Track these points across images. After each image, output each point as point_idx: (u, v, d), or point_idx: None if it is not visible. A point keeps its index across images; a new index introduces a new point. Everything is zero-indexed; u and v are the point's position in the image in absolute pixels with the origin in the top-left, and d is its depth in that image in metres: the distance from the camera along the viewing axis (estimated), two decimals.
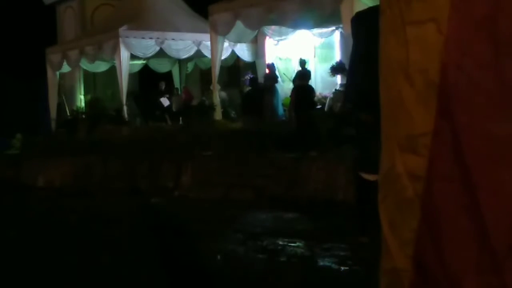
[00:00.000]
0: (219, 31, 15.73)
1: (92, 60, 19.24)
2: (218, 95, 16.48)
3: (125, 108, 18.16)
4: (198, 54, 18.86)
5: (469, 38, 1.68)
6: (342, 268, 6.76)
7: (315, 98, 13.74)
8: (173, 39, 18.21)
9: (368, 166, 7.51)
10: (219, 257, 7.42)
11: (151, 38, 18.03)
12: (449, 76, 1.70)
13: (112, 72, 19.02)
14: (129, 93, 18.58)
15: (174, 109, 18.83)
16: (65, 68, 20.54)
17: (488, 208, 1.65)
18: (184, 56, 19.01)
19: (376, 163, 6.16)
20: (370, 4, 11.39)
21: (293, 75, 15.02)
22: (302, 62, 14.68)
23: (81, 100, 21.74)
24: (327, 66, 15.12)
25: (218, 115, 16.26)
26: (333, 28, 15.01)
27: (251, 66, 18.21)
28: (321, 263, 7.06)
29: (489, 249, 1.65)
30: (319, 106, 14.04)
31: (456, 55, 1.69)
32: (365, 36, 9.92)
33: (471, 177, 1.68)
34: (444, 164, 1.72)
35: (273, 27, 15.62)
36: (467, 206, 1.69)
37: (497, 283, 1.65)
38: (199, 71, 21.24)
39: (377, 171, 6.26)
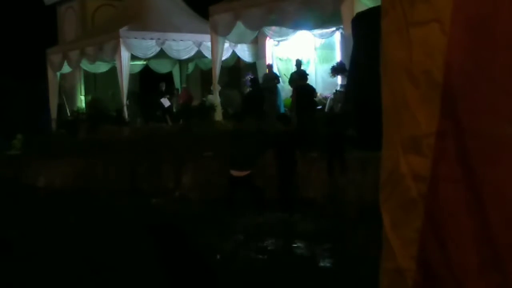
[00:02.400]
0: (219, 32, 15.74)
1: (93, 60, 19.26)
2: (218, 95, 16.50)
3: (125, 108, 18.17)
4: (199, 54, 18.87)
5: (472, 38, 1.68)
6: (343, 268, 6.76)
7: (316, 99, 13.74)
8: (173, 39, 18.23)
9: (236, 164, 9.14)
10: (218, 257, 7.43)
11: (151, 38, 18.04)
12: (453, 77, 1.70)
13: (112, 73, 19.03)
14: (129, 94, 18.59)
15: (174, 110, 18.86)
16: (66, 68, 20.55)
17: (492, 208, 1.66)
18: (185, 56, 19.02)
19: (242, 162, 8.06)
20: (371, 4, 11.40)
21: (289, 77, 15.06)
22: (299, 63, 14.73)
23: (81, 100, 21.75)
24: (328, 66, 15.12)
25: (218, 115, 16.27)
26: (334, 28, 15.02)
27: (252, 67, 18.21)
28: (321, 264, 7.07)
29: (492, 248, 1.66)
30: (319, 107, 14.04)
31: (459, 56, 1.70)
32: (365, 36, 9.97)
33: (474, 177, 1.68)
34: (448, 164, 1.72)
35: (273, 27, 15.63)
36: (471, 206, 1.69)
37: (500, 282, 1.65)
38: (200, 71, 21.24)
39: (243, 168, 8.00)
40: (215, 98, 16.50)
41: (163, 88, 18.99)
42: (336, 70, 14.39)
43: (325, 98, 14.87)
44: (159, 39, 17.98)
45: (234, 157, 9.28)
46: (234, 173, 9.17)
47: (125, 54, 17.73)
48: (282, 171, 9.41)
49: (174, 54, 18.68)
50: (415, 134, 1.78)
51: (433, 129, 1.74)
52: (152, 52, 18.27)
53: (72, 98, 21.76)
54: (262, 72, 16.94)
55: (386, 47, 1.91)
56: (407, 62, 1.80)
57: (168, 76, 21.43)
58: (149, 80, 21.09)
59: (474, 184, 1.68)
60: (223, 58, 16.67)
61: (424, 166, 1.76)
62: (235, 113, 12.36)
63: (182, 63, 21.56)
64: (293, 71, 15.07)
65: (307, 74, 13.65)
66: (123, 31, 17.72)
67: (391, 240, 1.88)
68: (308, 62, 16.41)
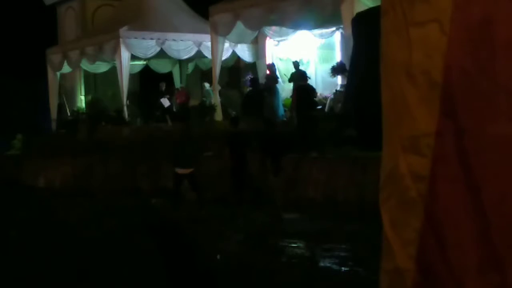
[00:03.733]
0: (219, 32, 15.73)
1: (93, 60, 19.25)
2: (218, 95, 16.50)
3: (125, 108, 18.17)
4: (199, 54, 18.86)
5: (472, 38, 1.68)
6: (343, 268, 6.76)
7: (316, 99, 13.74)
8: (173, 39, 18.22)
9: (180, 162, 10.22)
10: (219, 256, 7.43)
11: (151, 38, 18.04)
12: (452, 77, 1.70)
13: (112, 73, 19.02)
14: (129, 94, 18.58)
15: (174, 110, 18.85)
16: (66, 68, 20.54)
17: (491, 208, 1.66)
18: (185, 56, 19.01)
19: (185, 160, 9.16)
20: (371, 4, 11.40)
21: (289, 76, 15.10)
22: (296, 64, 14.77)
23: (81, 100, 21.75)
24: (328, 66, 15.11)
25: (218, 115, 16.27)
26: (334, 28, 15.01)
27: (252, 67, 18.20)
28: (321, 264, 7.07)
29: (491, 248, 1.66)
30: (319, 107, 14.04)
31: (459, 56, 1.70)
32: (365, 36, 9.97)
33: (474, 177, 1.68)
34: (447, 164, 1.72)
35: (273, 27, 15.62)
36: (470, 206, 1.69)
37: (499, 282, 1.65)
38: (200, 71, 21.23)
39: (186, 166, 9.11)
40: (215, 98, 16.49)
41: (163, 88, 18.98)
42: (336, 70, 14.38)
43: (325, 98, 14.87)
44: (159, 39, 17.98)
45: (179, 156, 10.38)
46: (179, 170, 10.27)
47: (125, 54, 17.73)
48: (232, 169, 10.49)
49: (174, 54, 18.68)
50: (414, 134, 1.78)
51: (432, 129, 1.74)
52: (152, 52, 18.27)
53: (72, 98, 21.76)
54: (262, 72, 16.93)
55: (386, 47, 1.91)
56: (406, 62, 1.80)
57: (168, 76, 21.41)
58: (149, 80, 21.08)
59: (473, 184, 1.68)
60: (223, 58, 16.66)
61: (424, 166, 1.76)
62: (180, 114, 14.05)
63: (182, 63, 21.55)
64: (293, 71, 15.09)
65: (308, 76, 13.67)
66: (123, 31, 17.71)
67: (391, 240, 1.88)
68: (308, 62, 16.40)
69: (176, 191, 10.57)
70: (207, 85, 18.10)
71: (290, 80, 14.81)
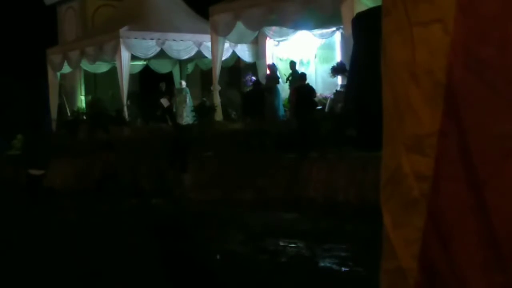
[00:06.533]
0: (219, 32, 15.75)
1: (93, 60, 19.27)
2: (218, 95, 16.51)
3: (125, 108, 18.18)
4: (199, 54, 18.89)
5: (475, 38, 1.69)
6: (343, 268, 6.77)
7: (316, 99, 13.75)
8: (173, 39, 18.24)
9: (34, 164, 11.10)
10: (218, 256, 7.43)
11: (151, 38, 18.06)
12: (456, 76, 1.71)
13: (112, 73, 19.05)
14: (129, 94, 18.61)
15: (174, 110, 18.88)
16: (66, 68, 20.57)
17: (494, 207, 1.66)
18: (185, 56, 19.04)
19: (40, 161, 10.07)
20: (371, 4, 11.42)
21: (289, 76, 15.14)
22: (293, 64, 14.78)
23: (81, 100, 21.78)
24: (328, 67, 15.13)
25: (218, 116, 16.28)
26: (334, 29, 15.03)
27: (252, 67, 18.22)
28: (321, 264, 7.07)
29: (495, 248, 1.66)
30: (319, 107, 14.05)
31: (462, 56, 1.70)
32: (366, 36, 9.97)
33: (477, 176, 1.68)
34: (451, 164, 1.72)
35: (273, 28, 15.65)
36: (474, 205, 1.69)
37: (503, 282, 1.65)
38: (200, 71, 21.25)
39: (38, 168, 9.89)
40: (215, 98, 16.52)
41: (163, 88, 19.00)
42: (336, 70, 14.39)
43: (325, 98, 14.89)
44: (159, 39, 18.01)
45: (31, 158, 11.32)
46: (33, 171, 11.08)
47: (125, 54, 17.75)
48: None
49: (174, 54, 18.70)
50: (418, 134, 1.78)
51: (435, 128, 1.74)
52: (152, 52, 18.30)
53: (72, 98, 21.79)
54: (262, 72, 16.95)
55: (388, 47, 1.91)
56: (409, 62, 1.80)
57: (168, 76, 21.43)
58: (149, 80, 21.11)
59: (477, 184, 1.68)
60: (223, 58, 16.68)
61: (427, 165, 1.76)
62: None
63: (182, 63, 21.57)
64: (290, 72, 15.09)
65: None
66: (123, 31, 17.74)
67: (393, 239, 1.87)
68: (308, 62, 16.42)
69: (29, 191, 11.37)
70: (183, 83, 18.22)
71: (291, 82, 14.83)
